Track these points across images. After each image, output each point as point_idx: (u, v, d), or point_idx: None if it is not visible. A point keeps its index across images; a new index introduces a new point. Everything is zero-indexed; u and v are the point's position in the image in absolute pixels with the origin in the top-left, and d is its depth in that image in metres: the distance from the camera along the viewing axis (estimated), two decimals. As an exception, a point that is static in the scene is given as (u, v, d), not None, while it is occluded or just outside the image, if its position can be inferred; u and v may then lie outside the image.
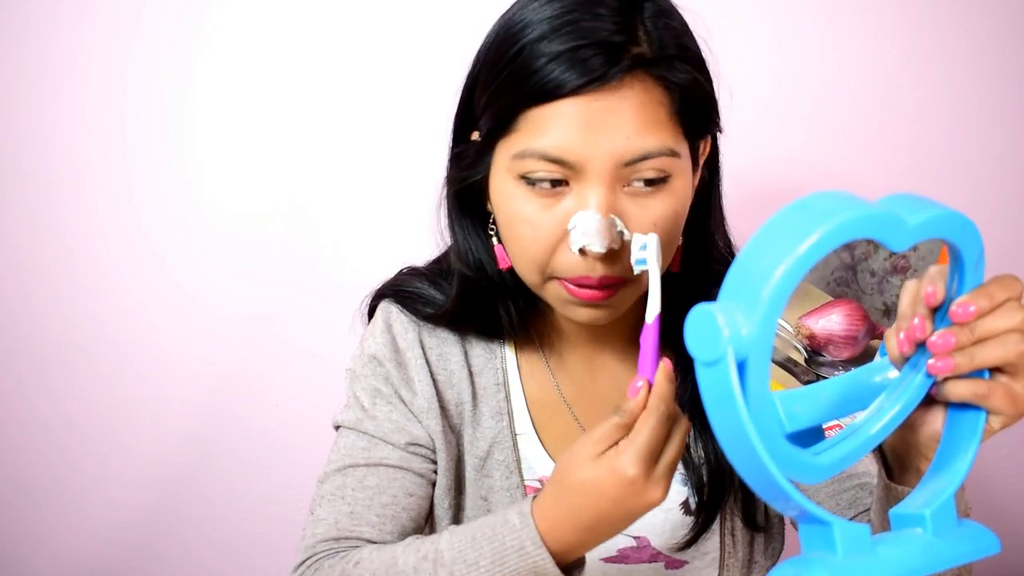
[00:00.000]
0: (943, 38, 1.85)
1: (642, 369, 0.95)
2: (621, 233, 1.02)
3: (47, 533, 1.93)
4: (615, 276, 1.05)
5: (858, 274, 1.63)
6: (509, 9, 1.08)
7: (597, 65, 0.99)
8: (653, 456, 0.91)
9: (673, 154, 1.03)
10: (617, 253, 1.03)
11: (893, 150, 1.87)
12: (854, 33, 1.84)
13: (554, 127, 1.00)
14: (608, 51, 0.99)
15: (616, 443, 0.92)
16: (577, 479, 0.92)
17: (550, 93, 1.00)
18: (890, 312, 1.61)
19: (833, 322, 1.43)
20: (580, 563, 1.00)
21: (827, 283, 1.64)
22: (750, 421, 0.66)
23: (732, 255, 1.25)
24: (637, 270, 1.02)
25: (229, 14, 1.79)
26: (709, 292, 1.11)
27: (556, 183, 1.02)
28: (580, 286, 1.05)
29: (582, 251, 1.03)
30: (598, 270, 1.04)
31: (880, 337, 1.46)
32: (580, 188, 1.02)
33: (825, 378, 0.88)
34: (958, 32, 1.84)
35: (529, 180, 1.03)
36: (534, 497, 0.98)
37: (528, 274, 1.09)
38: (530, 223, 1.04)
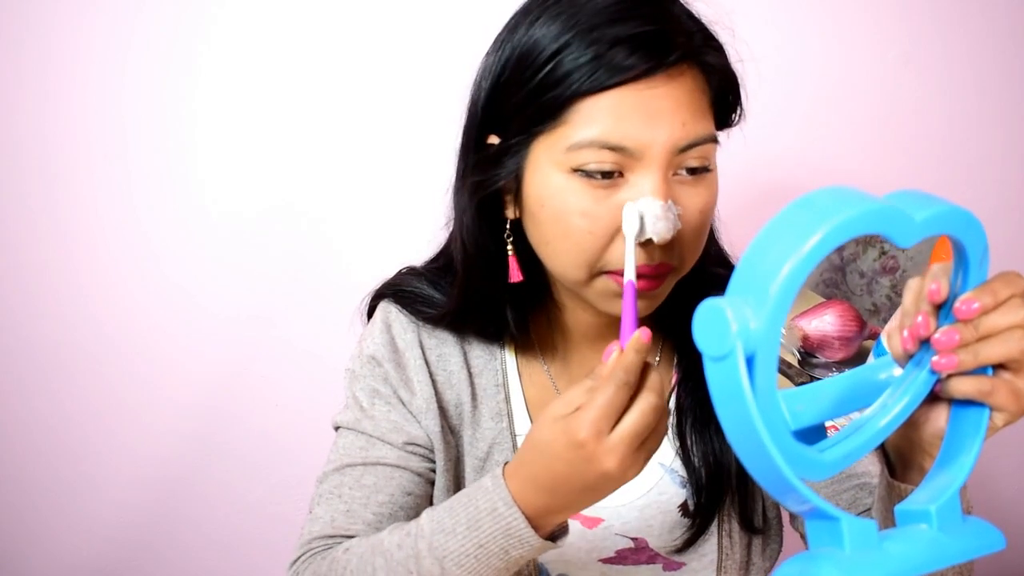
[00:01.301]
0: (943, 38, 1.85)
1: (624, 334, 0.95)
2: (677, 220, 1.03)
3: (47, 533, 1.93)
4: (670, 263, 1.05)
5: (847, 275, 1.63)
6: (518, 25, 1.07)
7: (651, 55, 1.00)
8: (606, 422, 0.89)
9: (715, 141, 1.05)
10: (671, 239, 1.03)
11: (893, 150, 1.88)
12: (854, 33, 1.84)
13: (609, 115, 1.00)
14: (658, 40, 1.00)
15: None
16: (536, 437, 0.92)
17: (604, 84, 1.00)
18: (879, 312, 1.62)
19: (827, 323, 1.43)
20: (563, 530, 1.00)
21: (816, 284, 1.65)
22: (759, 415, 0.66)
23: (722, 256, 1.26)
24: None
25: (229, 14, 1.79)
26: (709, 294, 1.11)
27: (608, 175, 1.02)
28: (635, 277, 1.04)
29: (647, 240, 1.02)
30: (656, 257, 1.04)
31: (874, 338, 1.46)
32: (635, 177, 1.02)
33: (819, 380, 0.87)
34: (958, 32, 1.85)
35: (584, 172, 1.02)
36: (507, 462, 0.98)
37: (575, 270, 1.07)
38: (585, 215, 1.03)
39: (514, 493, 0.95)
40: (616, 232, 1.04)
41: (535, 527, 0.95)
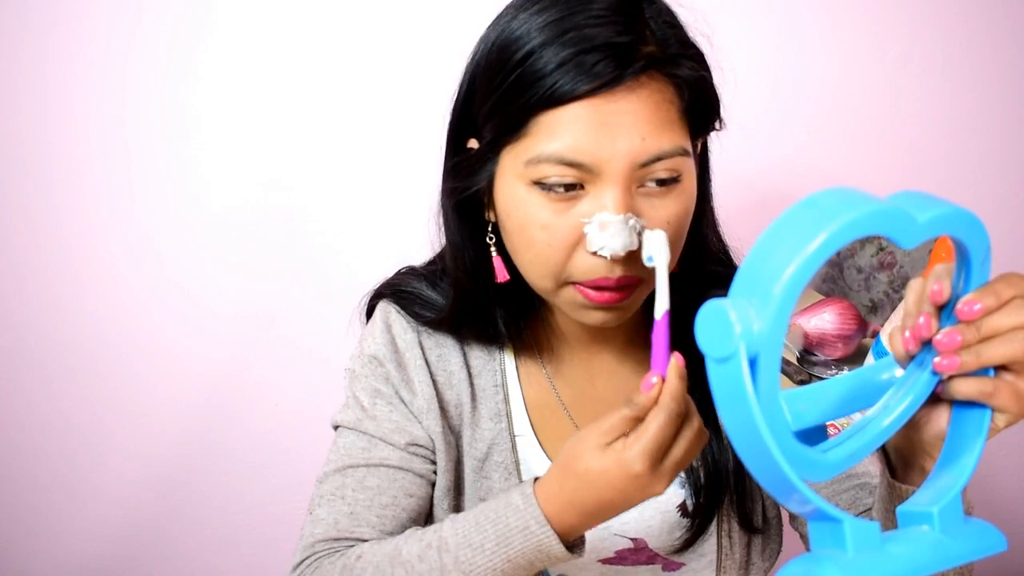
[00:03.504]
0: (943, 38, 1.85)
1: (655, 365, 0.95)
2: (638, 233, 1.02)
3: (46, 533, 1.92)
4: (633, 276, 1.05)
5: (844, 271, 1.63)
6: (501, 18, 1.07)
7: (611, 67, 0.98)
8: (660, 452, 0.91)
9: (685, 153, 1.04)
10: (633, 252, 1.02)
11: (893, 151, 1.88)
12: (854, 33, 1.84)
13: (568, 130, 1.00)
14: (620, 52, 0.99)
15: (625, 435, 0.93)
16: (583, 467, 0.94)
17: (563, 96, 0.99)
18: (877, 308, 1.61)
19: (825, 321, 1.42)
20: (580, 541, 1.01)
21: (813, 280, 1.64)
22: (762, 418, 0.66)
23: (726, 253, 1.25)
24: (649, 266, 1.01)
25: (230, 13, 1.79)
26: (706, 292, 1.11)
27: (570, 187, 1.02)
28: (597, 288, 1.05)
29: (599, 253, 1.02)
30: (616, 271, 1.03)
31: (873, 336, 1.46)
32: (596, 191, 1.02)
33: (819, 378, 0.88)
34: (958, 32, 1.85)
35: (543, 185, 1.02)
36: (536, 479, 0.99)
37: (541, 280, 1.08)
38: (545, 228, 1.03)
39: (549, 514, 0.97)
40: (576, 244, 1.04)
41: (561, 541, 0.97)
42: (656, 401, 0.93)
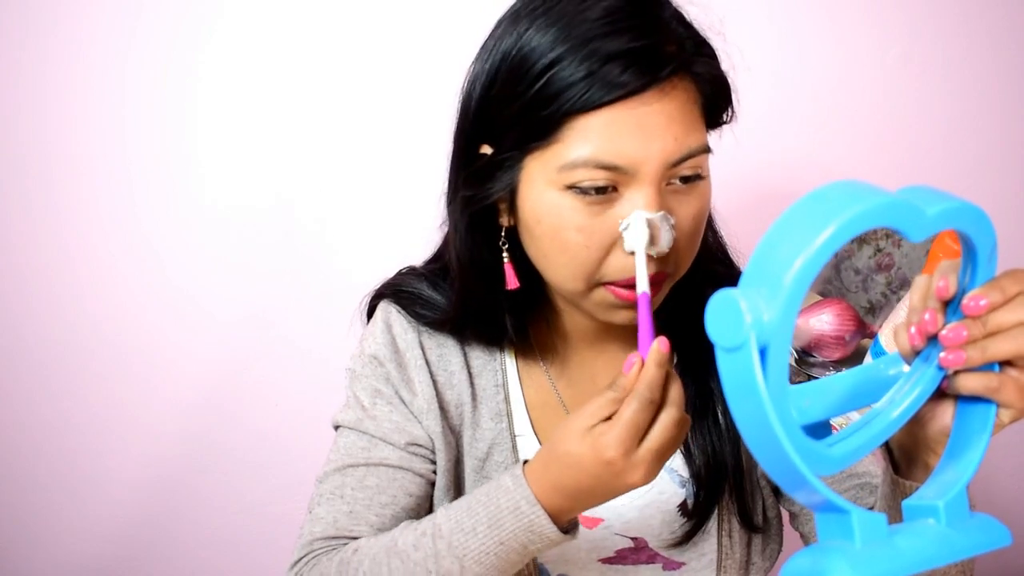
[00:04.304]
0: (943, 38, 1.85)
1: (641, 347, 0.96)
2: (672, 230, 1.03)
3: (46, 533, 1.92)
4: (663, 272, 1.06)
5: (841, 272, 1.62)
6: (512, 25, 1.06)
7: (642, 72, 0.99)
8: (634, 440, 0.92)
9: (708, 150, 1.05)
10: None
11: (893, 151, 1.88)
12: (854, 33, 1.85)
13: (602, 134, 1.00)
14: (651, 54, 1.00)
15: (608, 418, 0.94)
16: (563, 450, 0.94)
17: (596, 102, 0.99)
18: (875, 310, 1.61)
19: (824, 322, 1.42)
20: (574, 524, 1.02)
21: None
22: (772, 407, 0.66)
23: (724, 253, 1.26)
24: (628, 251, 1.03)
25: (230, 12, 1.79)
26: (706, 291, 1.11)
27: (602, 190, 1.02)
28: (629, 287, 1.05)
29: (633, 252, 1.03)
30: (652, 268, 1.04)
31: (871, 336, 1.45)
32: (630, 192, 1.02)
33: (815, 379, 0.88)
34: (958, 32, 1.85)
35: (578, 189, 1.02)
36: (526, 461, 1.00)
37: (573, 283, 1.07)
38: (581, 231, 1.03)
39: (537, 494, 0.97)
40: (612, 245, 1.04)
41: (553, 523, 0.98)
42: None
